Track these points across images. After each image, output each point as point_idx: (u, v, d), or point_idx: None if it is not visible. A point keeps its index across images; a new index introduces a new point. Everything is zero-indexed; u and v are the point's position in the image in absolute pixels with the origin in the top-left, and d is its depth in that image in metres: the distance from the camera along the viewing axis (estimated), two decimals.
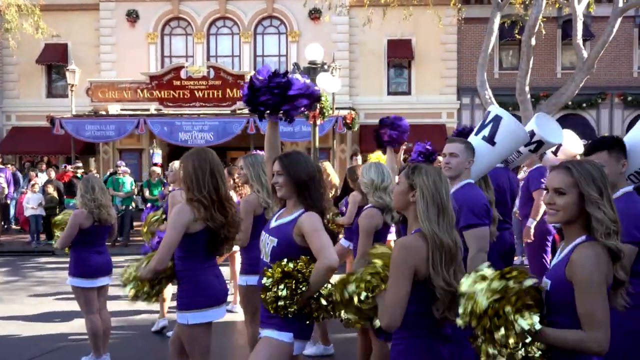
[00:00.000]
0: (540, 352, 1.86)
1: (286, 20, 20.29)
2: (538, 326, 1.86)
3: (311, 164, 2.92)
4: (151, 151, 16.31)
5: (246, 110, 17.20)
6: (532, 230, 5.77)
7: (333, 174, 7.37)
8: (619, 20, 13.09)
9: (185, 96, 17.60)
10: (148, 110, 17.48)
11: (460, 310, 2.00)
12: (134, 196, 13.34)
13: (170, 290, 5.28)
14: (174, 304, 3.73)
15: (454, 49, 20.41)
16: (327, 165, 7.18)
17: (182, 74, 17.51)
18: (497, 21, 13.52)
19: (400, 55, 20.25)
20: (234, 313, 6.31)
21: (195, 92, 17.57)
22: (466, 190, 3.28)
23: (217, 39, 20.74)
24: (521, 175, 7.35)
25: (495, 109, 3.88)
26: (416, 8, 17.15)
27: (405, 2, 16.40)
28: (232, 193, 5.56)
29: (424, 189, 2.28)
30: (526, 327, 1.84)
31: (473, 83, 14.95)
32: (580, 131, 18.36)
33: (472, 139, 3.76)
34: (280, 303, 2.61)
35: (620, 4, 12.98)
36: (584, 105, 20.11)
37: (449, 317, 2.21)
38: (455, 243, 2.26)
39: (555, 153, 6.31)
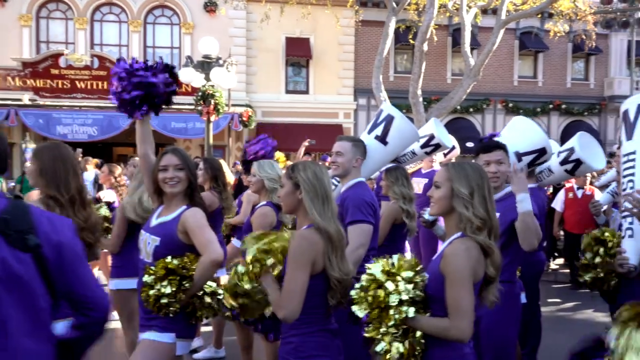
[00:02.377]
0: (417, 338, 2.05)
1: (179, 11, 19.74)
2: (411, 314, 2.03)
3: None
4: (24, 146, 15.14)
5: None
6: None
7: (227, 172, 7.31)
8: (502, 31, 14.27)
9: (65, 86, 16.52)
10: (20, 100, 16.17)
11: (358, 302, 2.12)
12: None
13: None
14: None
15: (351, 50, 21.07)
16: (221, 164, 7.11)
17: (62, 62, 16.44)
18: (392, 25, 14.15)
19: (298, 53, 20.52)
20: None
21: (77, 82, 16.57)
22: (355, 189, 3.36)
23: (103, 26, 19.67)
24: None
25: (387, 108, 3.98)
26: (315, 7, 17.48)
27: (304, 1, 16.66)
28: (112, 192, 5.35)
29: (306, 184, 2.34)
30: (402, 316, 2.01)
31: (369, 85, 15.52)
32: (466, 134, 19.78)
33: (365, 137, 3.86)
34: (163, 301, 2.55)
35: (503, 17, 14.17)
36: (471, 109, 21.72)
37: (344, 305, 2.30)
38: (339, 232, 2.35)
39: (445, 155, 6.79)
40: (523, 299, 3.78)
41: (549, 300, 7.37)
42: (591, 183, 8.13)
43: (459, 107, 18.82)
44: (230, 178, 7.73)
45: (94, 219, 2.95)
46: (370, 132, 3.89)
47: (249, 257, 2.34)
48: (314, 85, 20.95)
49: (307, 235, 2.31)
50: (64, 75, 16.49)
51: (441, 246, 2.24)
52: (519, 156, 3.41)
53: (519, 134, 3.60)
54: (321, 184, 2.36)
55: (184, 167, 2.76)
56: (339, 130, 19.54)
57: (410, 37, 17.69)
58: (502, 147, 3.14)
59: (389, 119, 3.81)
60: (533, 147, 3.43)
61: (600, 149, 4.97)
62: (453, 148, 6.41)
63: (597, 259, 3.31)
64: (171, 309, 2.58)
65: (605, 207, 4.45)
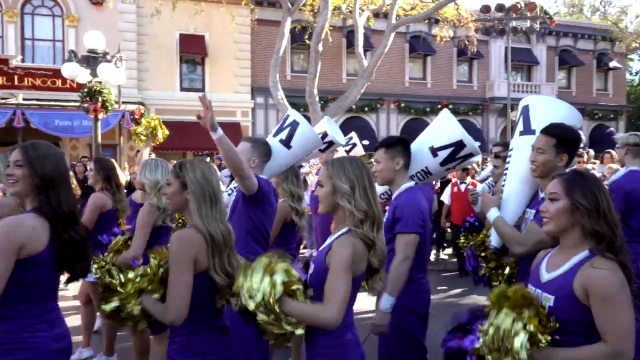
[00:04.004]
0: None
1: (62, 2, 18.52)
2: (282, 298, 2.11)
3: (61, 157, 2.46)
4: None
5: (13, 100, 15.26)
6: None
7: (119, 172, 7.02)
8: (393, 34, 14.93)
9: None
10: None
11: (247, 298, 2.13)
12: None
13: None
14: None
15: (247, 49, 20.97)
16: (113, 164, 6.81)
17: None
18: (288, 25, 14.28)
19: (193, 50, 20.07)
20: None
21: None
22: None
23: None
24: None
25: (293, 114, 4.13)
26: (209, 4, 17.21)
27: None
28: None
29: (194, 185, 2.31)
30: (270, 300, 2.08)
31: (267, 83, 15.57)
32: (362, 132, 20.49)
33: (270, 139, 3.99)
34: None
35: (393, 21, 14.84)
36: (366, 109, 22.51)
37: (230, 305, 2.27)
38: (228, 231, 2.33)
39: (347, 152, 7.00)
40: None
41: (439, 288, 7.85)
42: (473, 177, 8.79)
43: (354, 107, 19.42)
44: (123, 179, 7.43)
45: None
46: (275, 135, 4.05)
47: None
48: (210, 83, 20.60)
49: (184, 235, 2.26)
50: None
51: (329, 240, 2.31)
52: (434, 151, 3.39)
53: (434, 129, 3.59)
54: (209, 184, 2.33)
55: (24, 164, 2.28)
56: (236, 129, 19.39)
57: (306, 37, 17.96)
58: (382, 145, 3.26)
59: (294, 125, 3.99)
60: (448, 140, 3.36)
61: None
62: (354, 145, 6.64)
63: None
64: None
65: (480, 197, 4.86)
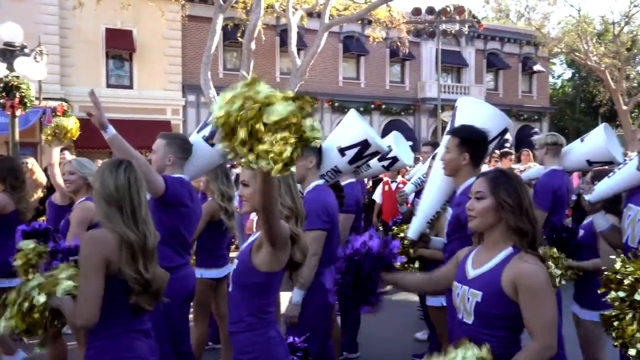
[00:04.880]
0: None
1: None
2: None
3: None
4: None
5: None
6: None
7: (39, 172, 6.74)
8: (326, 34, 15.13)
9: None
10: None
11: None
12: None
13: None
14: None
15: (178, 45, 20.58)
16: (32, 163, 6.53)
17: None
18: (219, 22, 14.17)
19: (120, 46, 19.46)
20: None
21: None
22: None
23: None
24: None
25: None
26: None
27: None
28: None
29: (100, 189, 2.27)
30: None
31: (198, 81, 15.36)
32: None
33: (193, 136, 3.89)
34: None
35: (326, 20, 15.04)
36: None
37: (145, 308, 2.25)
38: (144, 235, 2.26)
39: None
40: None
41: None
42: (403, 175, 9.05)
43: None
44: (43, 178, 7.14)
45: None
46: (199, 131, 3.91)
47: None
48: (138, 80, 20.05)
49: (95, 236, 2.22)
50: None
51: (252, 237, 2.37)
52: (341, 151, 3.51)
53: (341, 129, 3.72)
54: (117, 190, 2.25)
55: None
56: (167, 127, 18.99)
57: (239, 35, 17.88)
58: None
59: None
60: (353, 140, 3.49)
61: (408, 147, 5.71)
62: None
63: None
64: None
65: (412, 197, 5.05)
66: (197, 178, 4.08)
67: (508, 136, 23.42)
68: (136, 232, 2.23)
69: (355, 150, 3.49)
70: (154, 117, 19.40)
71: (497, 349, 2.02)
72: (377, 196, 9.30)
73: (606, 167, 4.20)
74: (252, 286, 2.25)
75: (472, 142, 3.01)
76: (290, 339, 2.53)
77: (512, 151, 9.12)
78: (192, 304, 3.68)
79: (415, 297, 6.76)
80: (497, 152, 9.09)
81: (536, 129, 27.94)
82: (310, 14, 19.04)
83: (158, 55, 20.00)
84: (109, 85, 19.64)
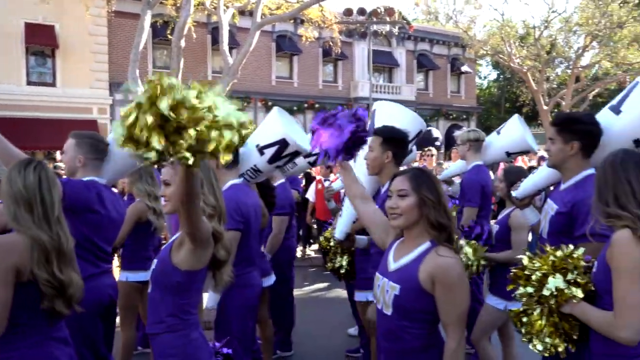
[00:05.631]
0: None
1: None
2: None
3: None
4: None
5: None
6: None
7: None
8: (258, 33, 15.09)
9: None
10: None
11: None
12: None
13: None
14: None
15: (104, 42, 19.90)
16: None
17: None
18: (148, 19, 13.83)
19: (41, 41, 18.58)
20: None
21: None
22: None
23: None
24: None
25: None
26: None
27: None
28: None
29: (7, 189, 2.18)
30: None
31: (126, 79, 14.92)
32: None
33: (112, 136, 3.78)
34: None
35: (259, 19, 15.01)
36: None
37: (62, 312, 2.18)
38: (58, 237, 2.18)
39: None
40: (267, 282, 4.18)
41: (305, 283, 8.16)
42: (336, 173, 9.20)
43: None
44: None
45: None
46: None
47: None
48: (62, 77, 19.22)
49: (2, 242, 2.10)
50: None
51: (174, 237, 2.35)
52: (260, 150, 3.42)
53: (260, 128, 3.63)
54: (27, 190, 2.17)
55: None
56: (93, 127, 18.32)
57: (169, 32, 17.51)
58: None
59: None
60: (272, 139, 3.38)
61: None
62: None
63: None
64: None
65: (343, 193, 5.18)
66: (116, 180, 3.84)
67: (438, 134, 24.23)
68: (49, 233, 2.15)
69: (273, 149, 3.37)
70: (80, 117, 18.68)
71: (415, 340, 2.10)
72: (311, 194, 9.40)
73: (522, 166, 4.45)
74: (173, 285, 2.23)
75: (394, 140, 3.16)
76: (211, 344, 2.50)
77: (434, 151, 9.43)
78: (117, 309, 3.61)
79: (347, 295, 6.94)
80: (433, 150, 9.33)
81: (465, 128, 29.02)
82: (242, 12, 18.92)
83: (83, 52, 19.26)
84: (29, 83, 18.73)
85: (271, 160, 3.43)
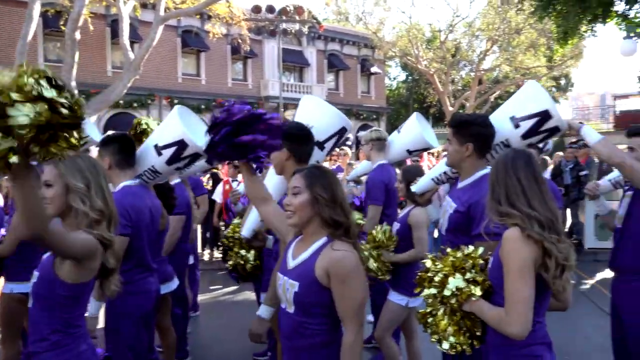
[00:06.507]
0: None
1: None
2: None
3: None
4: None
5: None
6: None
7: None
8: (162, 27, 14.60)
9: None
10: None
11: None
12: None
13: None
14: None
15: None
16: None
17: None
18: (37, 8, 12.95)
19: None
20: None
21: None
22: None
23: None
24: None
25: None
26: None
27: None
28: None
29: None
30: None
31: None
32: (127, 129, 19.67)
33: None
34: None
35: (162, 13, 14.52)
36: (135, 104, 21.59)
37: None
38: None
39: None
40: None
41: (212, 287, 7.98)
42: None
43: (121, 102, 18.52)
44: None
45: None
46: None
47: None
48: None
49: None
50: None
51: None
52: (158, 150, 3.26)
53: (160, 126, 3.49)
54: None
55: None
56: None
57: (62, 23, 16.52)
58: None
59: None
60: (170, 139, 3.21)
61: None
62: None
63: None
64: None
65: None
66: None
67: (349, 134, 24.68)
68: None
69: (172, 149, 3.18)
70: None
71: (315, 336, 2.12)
72: (218, 195, 9.20)
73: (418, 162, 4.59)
74: (57, 300, 2.09)
75: (290, 137, 2.97)
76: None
77: (348, 150, 9.62)
78: None
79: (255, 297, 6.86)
80: (347, 149, 9.51)
81: (375, 128, 29.84)
82: (144, 5, 18.24)
83: None
84: None
85: (170, 162, 3.24)
